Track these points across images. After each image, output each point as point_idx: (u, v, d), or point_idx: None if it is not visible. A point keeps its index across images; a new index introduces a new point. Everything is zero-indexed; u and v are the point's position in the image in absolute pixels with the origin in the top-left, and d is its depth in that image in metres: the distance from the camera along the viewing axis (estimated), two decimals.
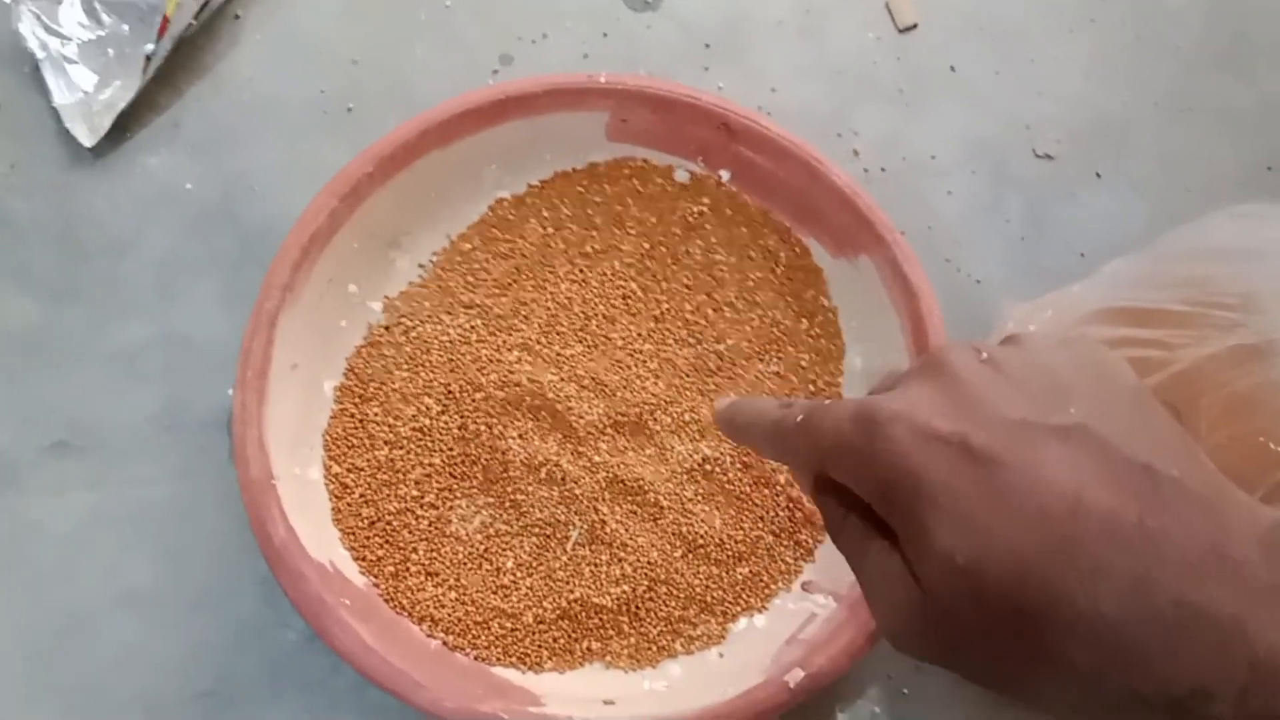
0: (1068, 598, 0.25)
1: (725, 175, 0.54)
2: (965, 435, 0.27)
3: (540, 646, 0.47)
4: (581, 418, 0.49)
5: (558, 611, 0.47)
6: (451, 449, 0.49)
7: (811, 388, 0.52)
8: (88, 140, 0.55)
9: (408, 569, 0.47)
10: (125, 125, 0.56)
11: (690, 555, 0.48)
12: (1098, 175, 0.60)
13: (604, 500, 0.49)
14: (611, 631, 0.47)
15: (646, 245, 0.54)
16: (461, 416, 0.50)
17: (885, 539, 0.29)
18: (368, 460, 0.49)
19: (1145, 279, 0.44)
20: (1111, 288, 0.47)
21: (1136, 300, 0.43)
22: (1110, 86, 0.63)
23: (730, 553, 0.49)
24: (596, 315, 0.53)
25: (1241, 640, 0.25)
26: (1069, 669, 0.26)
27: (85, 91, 0.55)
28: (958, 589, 0.27)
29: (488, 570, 0.48)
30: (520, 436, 0.49)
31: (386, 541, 0.47)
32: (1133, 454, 0.26)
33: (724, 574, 0.49)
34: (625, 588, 0.47)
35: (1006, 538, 0.26)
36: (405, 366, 0.51)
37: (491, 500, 0.49)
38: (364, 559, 0.47)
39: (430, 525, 0.48)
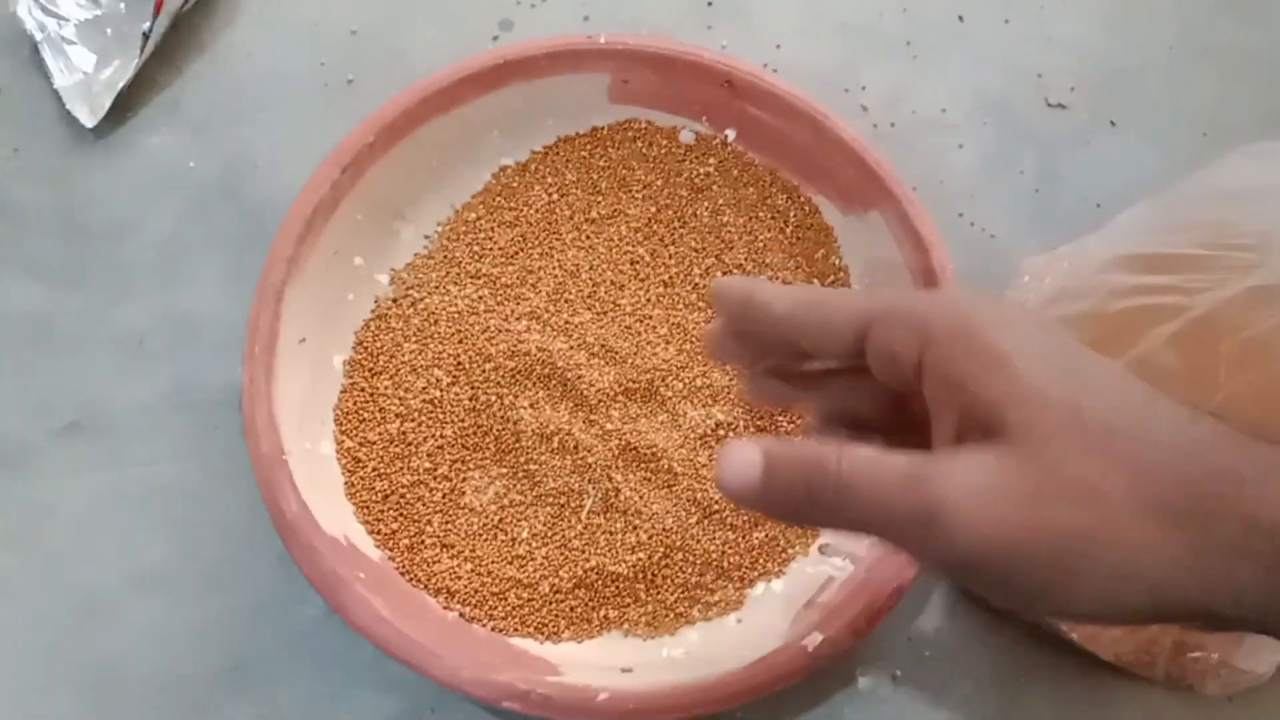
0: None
1: (731, 135, 0.53)
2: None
3: (557, 616, 0.46)
4: (592, 385, 0.49)
5: (574, 580, 0.47)
6: (463, 420, 0.49)
7: None
8: (89, 121, 0.54)
9: (423, 541, 0.47)
10: (126, 105, 0.55)
11: (706, 521, 0.48)
12: (1112, 123, 0.59)
13: (617, 468, 0.48)
14: (628, 599, 0.47)
15: (653, 209, 0.53)
16: (472, 387, 0.49)
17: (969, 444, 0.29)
18: (379, 434, 0.48)
19: (1160, 224, 0.43)
20: (1127, 235, 0.46)
21: (1152, 246, 0.42)
22: (1123, 32, 0.61)
23: (746, 517, 0.48)
24: (604, 281, 0.52)
25: None
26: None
27: (85, 72, 0.55)
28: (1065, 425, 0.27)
29: (503, 541, 0.48)
30: (531, 406, 0.49)
31: (401, 514, 0.47)
32: None
33: (740, 539, 0.48)
34: (641, 555, 0.47)
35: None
36: (414, 339, 0.50)
37: (505, 471, 0.49)
38: (379, 532, 0.47)
39: (444, 497, 0.48)
